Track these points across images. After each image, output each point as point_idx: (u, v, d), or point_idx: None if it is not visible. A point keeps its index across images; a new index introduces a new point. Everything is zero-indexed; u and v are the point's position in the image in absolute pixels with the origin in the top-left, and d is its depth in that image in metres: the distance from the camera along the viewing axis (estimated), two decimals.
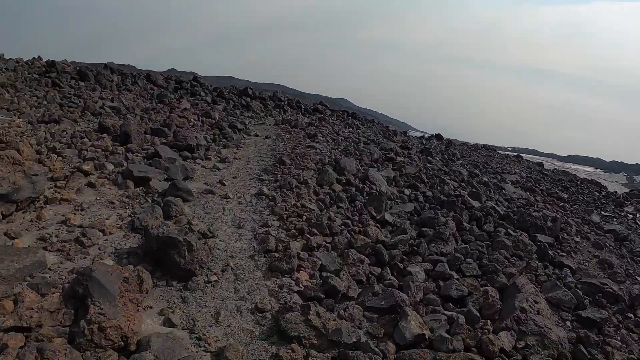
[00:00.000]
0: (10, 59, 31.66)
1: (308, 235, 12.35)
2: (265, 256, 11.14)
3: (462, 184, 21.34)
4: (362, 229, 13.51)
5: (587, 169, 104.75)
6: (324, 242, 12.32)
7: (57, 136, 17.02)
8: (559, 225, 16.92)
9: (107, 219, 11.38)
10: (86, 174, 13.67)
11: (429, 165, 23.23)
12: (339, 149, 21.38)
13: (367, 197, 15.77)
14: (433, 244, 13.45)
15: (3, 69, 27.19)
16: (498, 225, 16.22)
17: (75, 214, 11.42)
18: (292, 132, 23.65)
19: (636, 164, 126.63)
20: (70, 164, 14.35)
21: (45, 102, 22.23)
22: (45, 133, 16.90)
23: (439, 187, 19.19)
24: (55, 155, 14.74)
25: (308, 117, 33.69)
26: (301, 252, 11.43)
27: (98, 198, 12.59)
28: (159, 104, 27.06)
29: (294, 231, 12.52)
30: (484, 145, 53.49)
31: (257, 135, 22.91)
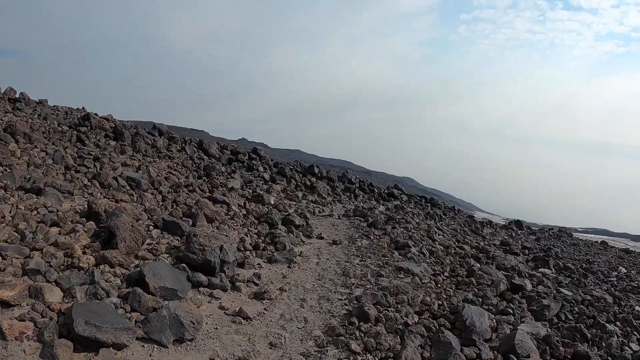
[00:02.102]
0: (52, 105, 25.20)
1: None
2: None
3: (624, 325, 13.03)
4: None
5: None
6: None
7: (17, 217, 9.75)
8: None
9: None
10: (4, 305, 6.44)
11: (563, 292, 14.99)
12: (445, 274, 13.27)
13: None
14: None
15: (33, 115, 20.57)
16: None
17: None
18: (372, 236, 15.72)
19: None
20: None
21: (50, 161, 15.14)
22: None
23: (604, 344, 10.97)
24: None
25: (383, 204, 25.87)
26: None
27: None
28: (201, 179, 19.79)
29: None
30: (560, 229, 46.98)
31: (322, 238, 15.08)
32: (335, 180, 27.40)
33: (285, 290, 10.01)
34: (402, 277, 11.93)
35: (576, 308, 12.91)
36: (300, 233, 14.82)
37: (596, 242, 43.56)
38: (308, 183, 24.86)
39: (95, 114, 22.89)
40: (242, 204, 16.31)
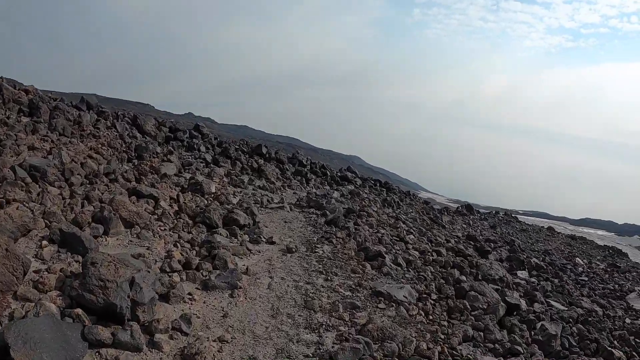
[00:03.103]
0: None
1: None
2: None
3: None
4: None
5: (600, 232, 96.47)
6: None
7: None
8: None
9: None
10: None
11: (554, 306, 12.59)
12: (433, 297, 10.09)
13: None
14: None
15: None
16: None
17: None
18: (334, 239, 12.31)
19: None
20: None
21: None
22: None
23: None
24: None
25: (337, 189, 22.71)
26: None
27: None
28: (131, 162, 16.22)
29: None
30: (505, 212, 46.27)
31: (273, 243, 11.53)
32: (285, 162, 23.96)
33: (227, 342, 6.61)
34: (383, 309, 8.67)
35: (575, 328, 11.16)
36: (246, 237, 11.43)
37: (542, 227, 43.22)
38: (255, 165, 21.41)
39: (14, 85, 18.76)
40: (175, 197, 12.84)
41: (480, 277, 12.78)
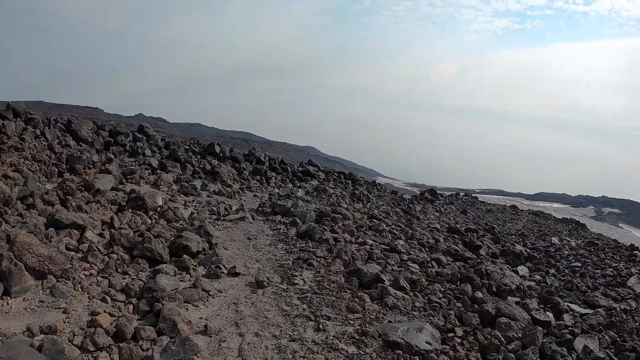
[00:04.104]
0: None
1: None
2: None
3: None
4: None
5: (555, 205, 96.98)
6: None
7: None
8: None
9: None
10: None
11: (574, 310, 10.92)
12: (458, 334, 7.32)
13: None
14: None
15: None
16: None
17: None
18: (314, 261, 9.37)
19: (602, 196, 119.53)
20: None
21: None
22: None
23: None
24: None
25: (301, 187, 19.89)
26: None
27: None
28: (61, 178, 13.23)
29: None
30: (465, 193, 44.19)
31: (237, 275, 8.43)
32: (241, 161, 20.94)
33: None
34: None
35: (607, 337, 9.78)
36: (202, 270, 8.47)
37: (505, 205, 42.66)
38: (208, 167, 18.41)
39: None
40: (109, 220, 9.89)
41: (495, 289, 10.21)
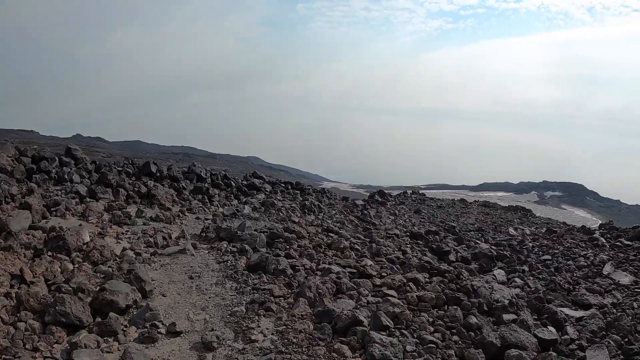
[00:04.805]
0: None
1: None
2: None
3: None
4: None
5: (499, 194, 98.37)
6: None
7: None
8: None
9: None
10: None
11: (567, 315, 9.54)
12: None
13: None
14: None
15: None
16: None
17: None
18: (273, 305, 7.51)
19: (543, 181, 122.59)
20: None
21: None
22: None
23: None
24: None
25: (247, 203, 18.02)
26: None
27: None
28: None
29: None
30: (413, 190, 43.34)
31: (179, 334, 6.50)
32: (180, 180, 18.80)
33: None
34: None
35: (612, 342, 8.72)
36: (133, 332, 6.62)
37: (453, 199, 42.33)
38: (144, 190, 16.34)
39: None
40: (19, 272, 7.95)
41: (486, 307, 8.68)
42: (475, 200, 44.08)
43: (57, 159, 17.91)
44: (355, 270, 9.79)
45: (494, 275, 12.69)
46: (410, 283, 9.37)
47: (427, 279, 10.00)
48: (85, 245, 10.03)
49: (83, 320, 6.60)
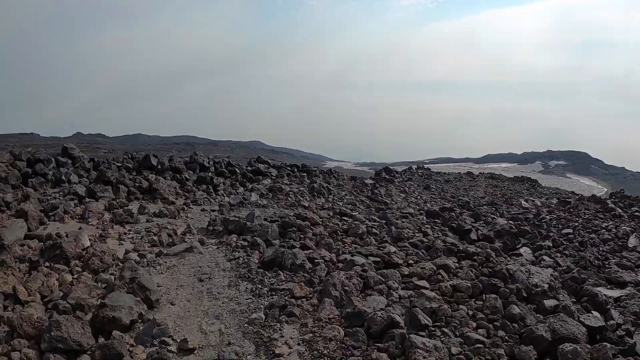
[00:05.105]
0: None
1: None
2: None
3: None
4: None
5: (503, 165, 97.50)
6: None
7: None
8: None
9: None
10: None
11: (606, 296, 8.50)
12: None
13: None
14: None
15: None
16: None
17: None
18: (296, 309, 6.62)
19: (548, 150, 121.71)
20: None
21: None
22: None
23: None
24: None
25: (254, 190, 17.13)
26: None
27: None
28: None
29: None
30: (418, 166, 42.60)
31: (193, 351, 5.69)
32: (183, 171, 17.81)
33: None
34: None
35: None
36: (141, 354, 5.80)
37: (460, 173, 41.63)
38: (145, 185, 15.48)
39: None
40: (12, 290, 7.15)
41: (525, 293, 7.87)
42: (481, 173, 43.49)
43: (53, 160, 17.00)
44: (379, 259, 8.92)
45: (520, 253, 11.88)
46: (440, 271, 8.52)
47: (457, 265, 9.15)
48: (85, 251, 9.25)
49: (83, 344, 5.77)
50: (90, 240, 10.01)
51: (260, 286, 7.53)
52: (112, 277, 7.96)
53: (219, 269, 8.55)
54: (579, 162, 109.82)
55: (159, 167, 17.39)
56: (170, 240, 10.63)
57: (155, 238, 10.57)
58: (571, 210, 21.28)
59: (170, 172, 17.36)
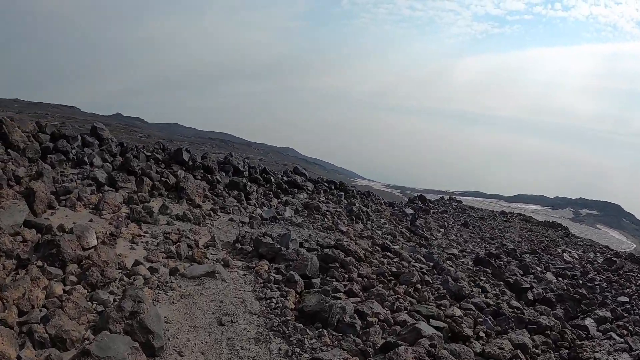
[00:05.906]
0: None
1: None
2: None
3: None
4: None
5: (534, 207, 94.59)
6: None
7: None
8: None
9: None
10: None
11: None
12: None
13: None
14: None
15: None
16: None
17: None
18: None
19: (580, 198, 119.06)
20: None
21: None
22: None
23: None
24: None
25: (289, 204, 15.29)
26: None
27: None
28: None
29: None
30: (450, 197, 40.70)
31: None
32: (214, 171, 16.04)
33: None
34: None
35: None
36: None
37: (493, 211, 39.98)
38: (172, 181, 13.71)
39: None
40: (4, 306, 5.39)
41: None
42: (511, 212, 41.64)
43: (79, 137, 15.32)
44: (444, 325, 6.96)
45: (585, 326, 9.87)
46: (518, 351, 6.54)
47: (533, 344, 7.16)
48: (87, 253, 7.46)
49: None
50: (98, 238, 8.28)
51: (298, 350, 5.63)
52: (111, 299, 6.17)
53: (245, 309, 6.66)
54: (612, 213, 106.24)
55: (190, 163, 15.63)
56: (190, 253, 8.85)
57: (173, 248, 8.79)
58: (621, 273, 19.09)
59: (201, 171, 15.60)
